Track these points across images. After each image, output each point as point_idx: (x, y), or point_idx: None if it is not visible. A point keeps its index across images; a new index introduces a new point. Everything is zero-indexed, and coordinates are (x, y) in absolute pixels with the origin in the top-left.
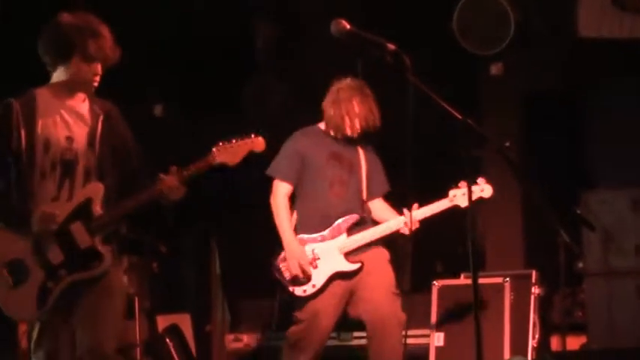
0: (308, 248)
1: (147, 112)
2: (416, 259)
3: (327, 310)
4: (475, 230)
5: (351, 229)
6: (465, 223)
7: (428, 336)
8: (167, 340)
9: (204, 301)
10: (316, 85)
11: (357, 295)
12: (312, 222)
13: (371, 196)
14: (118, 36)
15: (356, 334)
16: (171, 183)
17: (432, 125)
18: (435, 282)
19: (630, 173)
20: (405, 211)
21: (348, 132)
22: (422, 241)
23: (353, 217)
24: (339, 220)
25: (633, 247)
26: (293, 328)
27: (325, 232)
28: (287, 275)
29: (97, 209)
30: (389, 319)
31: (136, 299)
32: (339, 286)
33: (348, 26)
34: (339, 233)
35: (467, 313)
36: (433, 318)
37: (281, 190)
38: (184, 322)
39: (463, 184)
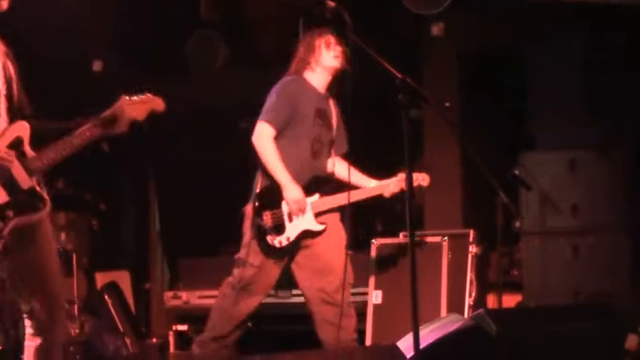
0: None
1: (86, 67)
2: (356, 218)
3: (274, 261)
4: (412, 190)
5: (322, 189)
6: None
7: (366, 294)
8: (105, 297)
9: (143, 259)
10: (259, 41)
11: (310, 251)
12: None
13: (335, 153)
14: None
15: (295, 291)
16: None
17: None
18: (373, 240)
19: (568, 135)
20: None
21: (338, 64)
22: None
23: (324, 178)
24: (312, 178)
25: (569, 207)
26: (243, 272)
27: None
28: (268, 224)
29: (29, 150)
30: (340, 275)
31: (74, 256)
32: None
33: None
34: (313, 192)
35: (405, 271)
36: (371, 276)
37: (266, 132)
38: (123, 280)
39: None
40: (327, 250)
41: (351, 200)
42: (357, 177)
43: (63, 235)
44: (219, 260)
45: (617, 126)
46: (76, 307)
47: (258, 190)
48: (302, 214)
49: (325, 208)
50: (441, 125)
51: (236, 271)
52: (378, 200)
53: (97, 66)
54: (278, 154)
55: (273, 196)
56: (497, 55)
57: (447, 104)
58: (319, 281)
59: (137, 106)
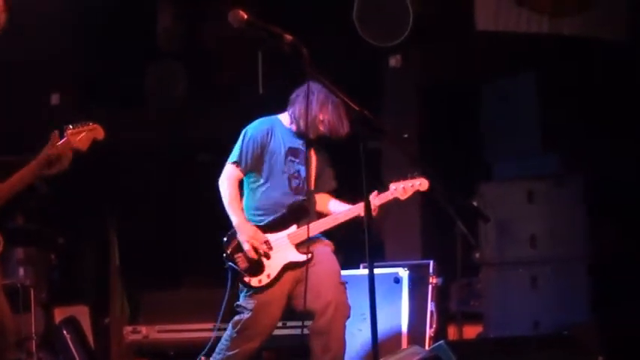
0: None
1: (43, 101)
2: None
3: (276, 299)
4: (371, 221)
5: (300, 221)
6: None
7: None
8: (64, 332)
9: (102, 293)
10: (218, 73)
11: (304, 285)
12: (267, 213)
13: (319, 190)
14: (17, 24)
15: (289, 323)
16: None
17: None
18: None
19: (525, 165)
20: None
21: (312, 135)
22: (324, 232)
23: (301, 208)
24: (289, 211)
25: (528, 238)
26: (239, 318)
27: (276, 223)
28: (242, 265)
29: None
30: (336, 307)
31: (32, 291)
32: (288, 275)
33: (246, 16)
34: (290, 224)
35: (366, 302)
36: None
37: (232, 174)
38: (82, 314)
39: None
40: (321, 282)
41: (334, 223)
42: (336, 206)
43: (21, 271)
44: (179, 294)
45: (573, 156)
46: (33, 342)
47: (227, 235)
48: (263, 251)
49: (304, 237)
50: (400, 156)
51: (235, 317)
52: (338, 230)
53: (55, 99)
54: (235, 194)
55: None
56: (455, 86)
57: (405, 135)
58: (314, 313)
59: (80, 135)
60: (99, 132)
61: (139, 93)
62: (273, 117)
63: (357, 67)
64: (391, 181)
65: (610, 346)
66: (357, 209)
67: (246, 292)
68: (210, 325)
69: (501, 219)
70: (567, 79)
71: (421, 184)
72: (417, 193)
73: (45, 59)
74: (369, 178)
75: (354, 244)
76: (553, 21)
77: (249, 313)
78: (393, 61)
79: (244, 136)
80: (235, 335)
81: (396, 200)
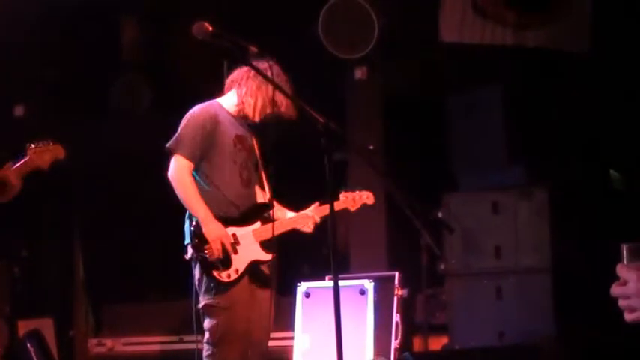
0: (229, 231)
1: (7, 113)
2: (282, 261)
3: (243, 300)
4: (336, 232)
5: (263, 217)
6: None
7: (293, 338)
8: (28, 345)
9: (67, 305)
10: (183, 84)
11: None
12: (222, 206)
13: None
14: None
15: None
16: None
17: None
18: (299, 283)
19: (490, 177)
20: (313, 208)
21: (257, 118)
22: (288, 243)
23: (265, 204)
24: (251, 206)
25: (492, 248)
26: (214, 321)
27: (240, 217)
28: (212, 257)
29: None
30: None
31: None
32: (248, 279)
33: (211, 28)
34: (254, 220)
35: (331, 314)
36: (298, 320)
37: (183, 166)
38: (47, 327)
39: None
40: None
41: (291, 226)
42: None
43: None
44: (144, 306)
45: (538, 168)
46: None
47: (192, 226)
48: (229, 248)
49: (269, 235)
50: (366, 168)
51: (207, 323)
52: (304, 242)
53: (19, 111)
54: (193, 188)
55: None
56: (421, 98)
57: (371, 147)
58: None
59: (42, 155)
60: (60, 151)
61: (104, 104)
62: (213, 101)
63: (322, 79)
64: (340, 192)
65: (574, 356)
66: (315, 214)
67: (213, 291)
68: (175, 338)
69: (466, 230)
70: (532, 92)
71: (368, 197)
72: (365, 205)
73: (9, 70)
74: (335, 190)
75: (319, 255)
76: (517, 33)
77: (222, 314)
78: (359, 73)
79: (190, 124)
80: (215, 343)
81: (344, 211)
